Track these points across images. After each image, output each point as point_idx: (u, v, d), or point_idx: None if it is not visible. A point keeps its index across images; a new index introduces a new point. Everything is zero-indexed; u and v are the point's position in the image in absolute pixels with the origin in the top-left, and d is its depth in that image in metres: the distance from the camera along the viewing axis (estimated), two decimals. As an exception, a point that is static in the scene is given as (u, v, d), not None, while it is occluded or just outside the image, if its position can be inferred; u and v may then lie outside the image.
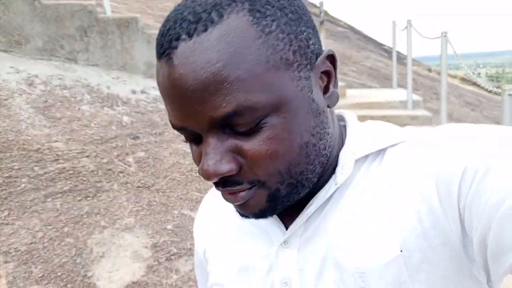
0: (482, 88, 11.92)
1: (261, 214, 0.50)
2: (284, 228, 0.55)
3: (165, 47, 0.43)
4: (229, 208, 0.62)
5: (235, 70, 0.41)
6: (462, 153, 0.44)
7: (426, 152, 0.48)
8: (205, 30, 0.41)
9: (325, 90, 0.50)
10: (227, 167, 0.44)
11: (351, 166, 0.52)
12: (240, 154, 0.45)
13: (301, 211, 0.53)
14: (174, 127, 0.47)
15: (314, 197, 0.52)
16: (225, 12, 0.42)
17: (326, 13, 15.22)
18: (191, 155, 3.01)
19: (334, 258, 0.51)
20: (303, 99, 0.46)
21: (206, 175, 0.44)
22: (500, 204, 0.39)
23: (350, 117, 0.57)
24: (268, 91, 0.43)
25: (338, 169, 0.52)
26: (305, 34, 0.46)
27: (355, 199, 0.51)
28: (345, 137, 0.55)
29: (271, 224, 0.56)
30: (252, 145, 0.44)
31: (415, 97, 5.46)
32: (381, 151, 0.53)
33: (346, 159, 0.52)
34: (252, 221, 0.56)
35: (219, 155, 0.44)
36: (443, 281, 0.46)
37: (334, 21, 13.94)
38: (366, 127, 0.55)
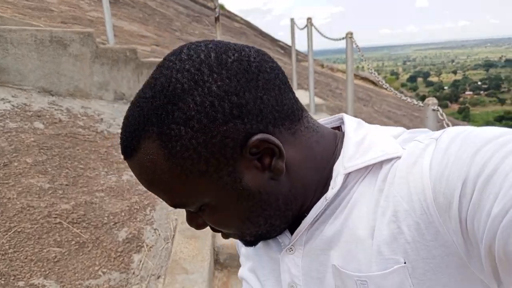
0: (369, 81, 12.53)
1: (249, 245, 0.61)
2: (290, 236, 0.59)
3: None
4: None
5: (158, 186, 0.52)
6: (460, 165, 0.44)
7: (422, 164, 0.48)
8: (131, 156, 0.51)
9: (267, 166, 0.52)
10: (196, 226, 0.58)
11: (340, 181, 0.54)
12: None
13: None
14: None
15: (311, 210, 0.56)
16: (141, 139, 0.50)
17: (222, 7, 14.73)
18: (50, 192, 2.26)
19: (335, 265, 0.54)
20: (227, 194, 0.52)
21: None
22: (503, 213, 0.39)
23: (349, 125, 0.58)
24: (189, 196, 0.52)
25: (331, 183, 0.55)
26: (219, 136, 0.49)
27: (355, 210, 0.53)
28: (341, 147, 0.56)
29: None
30: (206, 218, 0.56)
31: (318, 100, 5.22)
32: (381, 163, 0.53)
33: (337, 173, 0.54)
34: None
35: (190, 219, 0.58)
36: None
37: (230, 16, 13.51)
38: (363, 137, 0.56)
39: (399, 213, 0.49)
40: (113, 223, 2.41)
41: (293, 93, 0.56)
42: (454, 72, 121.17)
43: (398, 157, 0.52)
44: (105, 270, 2.11)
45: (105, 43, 4.84)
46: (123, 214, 2.49)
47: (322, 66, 13.95)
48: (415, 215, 0.47)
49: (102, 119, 3.41)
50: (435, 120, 1.99)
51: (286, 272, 0.60)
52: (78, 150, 2.91)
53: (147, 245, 2.35)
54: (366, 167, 0.54)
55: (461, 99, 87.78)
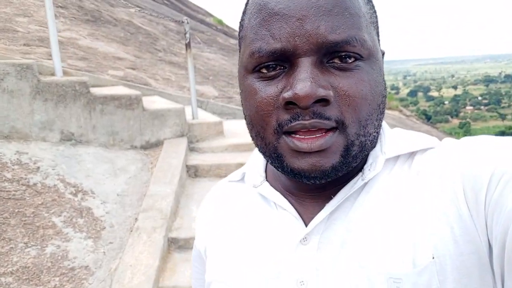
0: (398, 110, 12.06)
1: (330, 171, 0.48)
2: (303, 224, 0.54)
3: None
4: (241, 202, 0.63)
5: (355, 7, 0.48)
6: (490, 161, 0.45)
7: (454, 159, 0.49)
8: None
9: None
10: (324, 91, 0.46)
11: (381, 164, 0.52)
12: (333, 89, 0.47)
13: (322, 209, 0.53)
14: (266, 52, 0.47)
15: (339, 192, 0.52)
16: None
17: (220, 22, 14.21)
18: None
19: (360, 261, 0.49)
20: (382, 65, 0.52)
21: (302, 96, 0.44)
22: None
23: (384, 123, 0.58)
24: (370, 38, 0.49)
25: (366, 166, 0.53)
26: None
27: (382, 201, 0.51)
28: (378, 138, 0.55)
29: (289, 218, 0.55)
30: (348, 82, 0.47)
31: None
32: (411, 156, 0.54)
33: (376, 157, 0.53)
34: (267, 213, 0.58)
35: (317, 79, 0.46)
36: None
37: (228, 32, 13.04)
38: (398, 132, 0.58)
39: (430, 206, 0.48)
40: (16, 321, 1.86)
41: None
42: (455, 87, 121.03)
43: (432, 148, 0.53)
44: None
45: (70, 69, 4.33)
46: (32, 307, 1.94)
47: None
48: (446, 208, 0.47)
49: (38, 167, 2.88)
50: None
51: (296, 266, 0.52)
52: (-5, 213, 2.37)
53: None
54: (397, 157, 0.54)
55: (461, 114, 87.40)
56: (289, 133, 0.48)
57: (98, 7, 8.27)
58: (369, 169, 0.52)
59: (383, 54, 0.56)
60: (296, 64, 0.47)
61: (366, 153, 0.51)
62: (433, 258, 0.45)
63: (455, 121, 78.76)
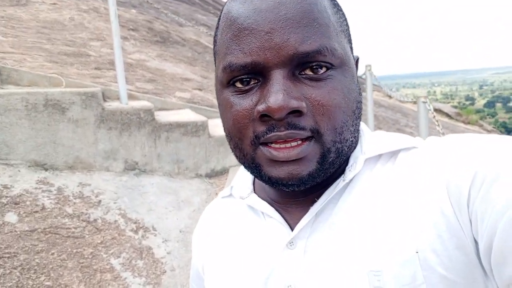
0: (443, 113, 11.13)
1: (308, 178, 0.49)
2: (289, 229, 0.55)
3: None
4: (232, 215, 0.64)
5: (323, 17, 0.49)
6: (473, 159, 0.45)
7: (438, 156, 0.49)
8: None
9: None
10: (297, 103, 0.47)
11: (360, 164, 0.53)
12: (306, 100, 0.48)
13: (307, 213, 0.54)
14: (237, 67, 0.48)
15: (322, 195, 0.53)
16: None
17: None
18: None
19: (344, 258, 0.50)
20: (354, 72, 0.53)
21: (275, 109, 0.45)
22: (506, 211, 0.39)
23: (364, 126, 0.60)
24: (340, 46, 0.50)
25: (347, 167, 0.54)
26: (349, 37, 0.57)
27: (363, 199, 0.52)
28: (359, 141, 0.56)
29: (275, 225, 0.56)
30: (321, 92, 0.48)
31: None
32: (394, 155, 0.54)
33: (356, 158, 0.54)
34: (256, 223, 0.59)
35: (290, 91, 0.47)
36: (455, 287, 0.45)
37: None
38: (379, 133, 0.58)
39: (413, 202, 0.48)
40: None
41: None
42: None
43: (415, 147, 0.53)
44: None
45: (137, 92, 4.27)
46: None
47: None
48: (429, 205, 0.47)
49: (100, 201, 2.73)
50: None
51: (283, 271, 0.53)
52: (53, 254, 2.22)
53: None
54: (379, 157, 0.55)
55: (549, 127, 79.45)
56: (266, 143, 0.49)
57: (167, 28, 8.40)
58: (350, 170, 0.53)
59: (356, 60, 0.57)
60: (268, 77, 0.48)
61: (343, 158, 0.52)
62: (416, 252, 0.45)
63: (542, 135, 71.81)
